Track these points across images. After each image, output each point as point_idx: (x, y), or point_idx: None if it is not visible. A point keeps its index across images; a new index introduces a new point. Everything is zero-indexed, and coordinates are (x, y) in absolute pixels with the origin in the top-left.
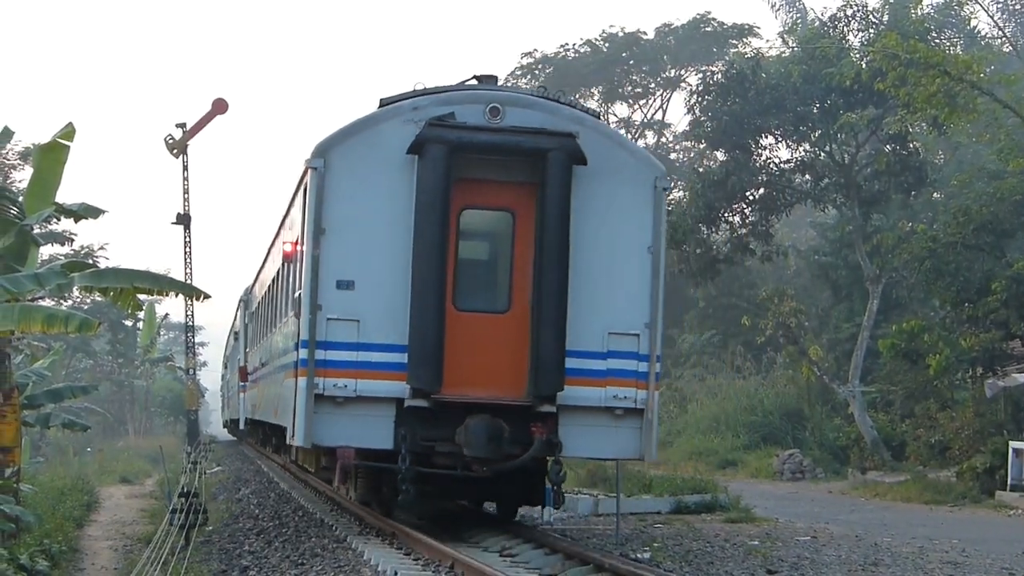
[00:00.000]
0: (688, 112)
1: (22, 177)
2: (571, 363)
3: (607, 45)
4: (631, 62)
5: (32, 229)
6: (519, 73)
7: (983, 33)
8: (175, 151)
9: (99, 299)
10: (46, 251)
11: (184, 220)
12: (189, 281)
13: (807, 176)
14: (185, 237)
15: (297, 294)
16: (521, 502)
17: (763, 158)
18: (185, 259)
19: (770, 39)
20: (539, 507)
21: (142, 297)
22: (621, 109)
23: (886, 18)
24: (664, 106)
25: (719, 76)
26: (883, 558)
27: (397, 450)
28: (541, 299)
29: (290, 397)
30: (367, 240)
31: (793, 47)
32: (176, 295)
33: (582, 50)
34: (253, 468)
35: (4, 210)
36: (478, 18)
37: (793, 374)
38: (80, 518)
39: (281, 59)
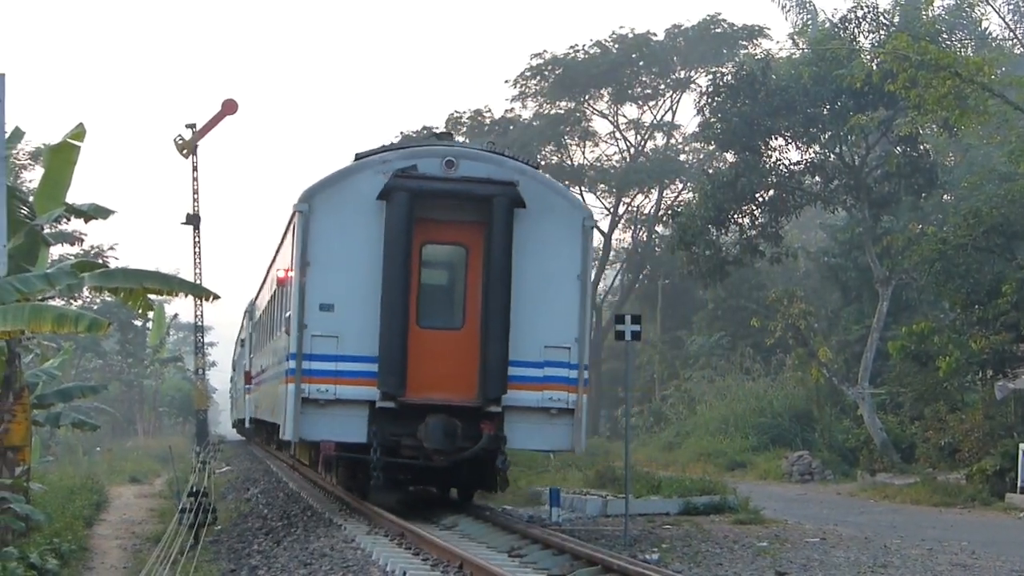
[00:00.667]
0: (698, 113)
1: (33, 177)
2: (513, 371)
3: (617, 46)
4: (641, 63)
5: (42, 229)
6: (529, 74)
7: (994, 35)
8: (185, 152)
9: (109, 299)
10: (56, 251)
11: (193, 220)
12: (198, 281)
13: (817, 178)
14: (194, 237)
15: (288, 315)
16: (475, 487)
17: (773, 160)
18: (194, 259)
19: (780, 40)
20: (491, 491)
21: (151, 297)
22: (630, 110)
23: (897, 19)
24: (674, 107)
25: (729, 77)
26: (892, 560)
27: (370, 444)
28: (489, 318)
29: (282, 400)
30: (345, 270)
31: (803, 48)
32: (185, 295)
33: (592, 51)
34: (262, 468)
35: (15, 210)
36: (488, 19)
37: (802, 376)
38: (90, 517)
39: (291, 60)
